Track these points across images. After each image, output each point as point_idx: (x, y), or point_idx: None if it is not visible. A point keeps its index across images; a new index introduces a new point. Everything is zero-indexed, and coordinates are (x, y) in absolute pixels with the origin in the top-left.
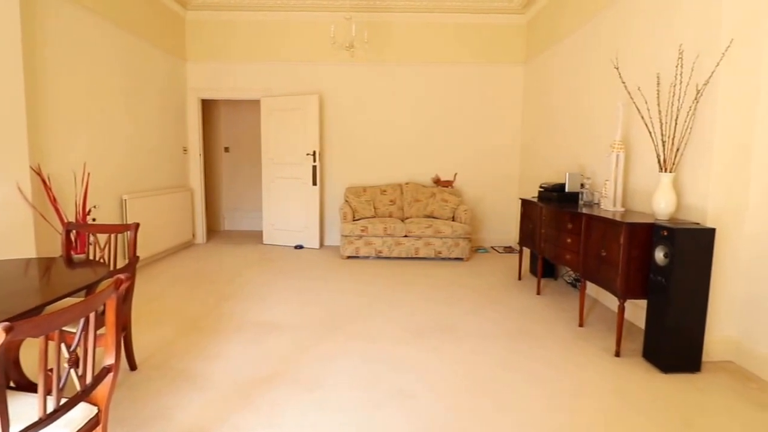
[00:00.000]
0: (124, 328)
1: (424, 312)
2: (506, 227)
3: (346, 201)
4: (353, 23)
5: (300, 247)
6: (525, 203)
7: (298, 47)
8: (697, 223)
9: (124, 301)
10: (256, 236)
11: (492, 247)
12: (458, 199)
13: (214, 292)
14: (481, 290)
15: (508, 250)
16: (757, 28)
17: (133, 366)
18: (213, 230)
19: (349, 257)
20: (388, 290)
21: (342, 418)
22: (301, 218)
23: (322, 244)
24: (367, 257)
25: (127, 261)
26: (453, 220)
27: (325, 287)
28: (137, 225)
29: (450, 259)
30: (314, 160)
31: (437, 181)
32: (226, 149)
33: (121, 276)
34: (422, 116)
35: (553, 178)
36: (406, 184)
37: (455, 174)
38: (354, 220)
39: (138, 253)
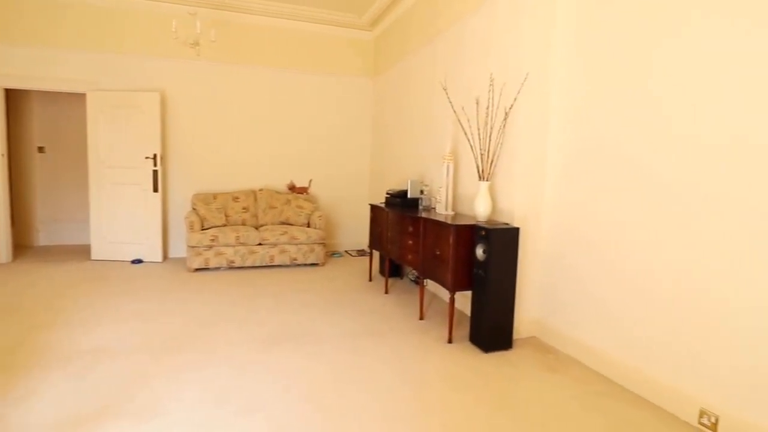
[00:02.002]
0: None
1: (276, 321)
2: (359, 232)
3: (194, 209)
4: (198, 20)
5: (139, 261)
6: (374, 208)
7: (137, 38)
8: (507, 224)
9: None
10: (82, 251)
11: (346, 251)
12: (313, 206)
13: (25, 321)
14: (334, 294)
15: (361, 253)
16: (545, 65)
17: None
18: (23, 246)
19: (197, 270)
20: (239, 301)
21: None
22: (139, 229)
23: (165, 257)
24: (218, 268)
25: None
26: (308, 227)
27: (168, 304)
28: None
29: (306, 265)
30: (155, 164)
31: (292, 188)
32: (41, 149)
33: None
34: (277, 122)
35: (398, 185)
36: (260, 190)
37: (310, 180)
38: (203, 230)
39: None
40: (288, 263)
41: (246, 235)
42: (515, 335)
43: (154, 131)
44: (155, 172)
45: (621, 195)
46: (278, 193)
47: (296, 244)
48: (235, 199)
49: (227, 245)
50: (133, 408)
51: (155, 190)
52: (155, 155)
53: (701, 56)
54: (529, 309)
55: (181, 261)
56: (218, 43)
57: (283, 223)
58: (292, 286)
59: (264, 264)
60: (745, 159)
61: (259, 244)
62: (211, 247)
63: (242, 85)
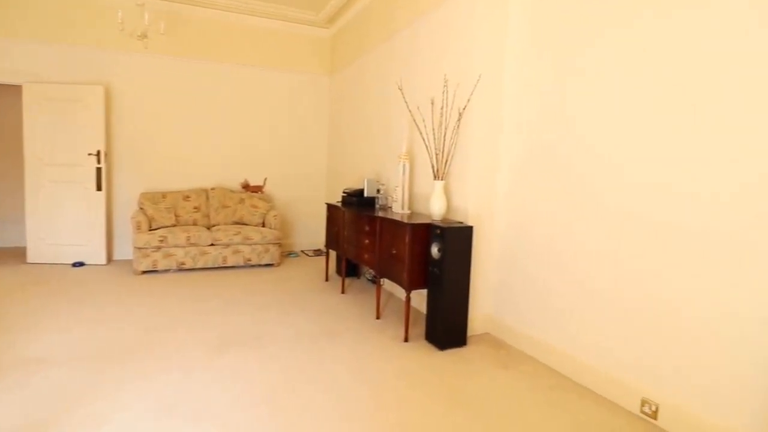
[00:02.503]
0: None
1: (229, 324)
2: (316, 231)
3: (141, 208)
4: (146, 11)
5: (80, 264)
6: (330, 207)
7: (81, 28)
8: (462, 222)
9: None
10: (16, 254)
11: (303, 251)
12: (268, 205)
13: None
14: (290, 295)
15: (318, 253)
16: (498, 68)
17: None
18: None
19: (144, 272)
20: (189, 304)
21: None
22: (81, 230)
23: (110, 260)
24: (167, 271)
25: None
26: (263, 226)
27: (113, 308)
28: None
29: (260, 265)
30: (99, 162)
31: (246, 187)
32: None
33: None
34: (231, 119)
35: (355, 184)
36: (213, 189)
37: (265, 179)
38: (151, 230)
39: None
40: (242, 264)
41: (197, 235)
42: (470, 332)
43: (98, 127)
44: (99, 170)
45: (566, 198)
46: (232, 192)
47: (250, 245)
48: (186, 198)
49: (177, 246)
50: (77, 419)
51: (99, 188)
52: (99, 152)
53: (640, 66)
54: (483, 306)
55: (127, 263)
56: (168, 36)
57: (236, 223)
58: (246, 287)
59: (216, 265)
60: (670, 166)
61: (212, 244)
62: (159, 248)
63: (194, 80)
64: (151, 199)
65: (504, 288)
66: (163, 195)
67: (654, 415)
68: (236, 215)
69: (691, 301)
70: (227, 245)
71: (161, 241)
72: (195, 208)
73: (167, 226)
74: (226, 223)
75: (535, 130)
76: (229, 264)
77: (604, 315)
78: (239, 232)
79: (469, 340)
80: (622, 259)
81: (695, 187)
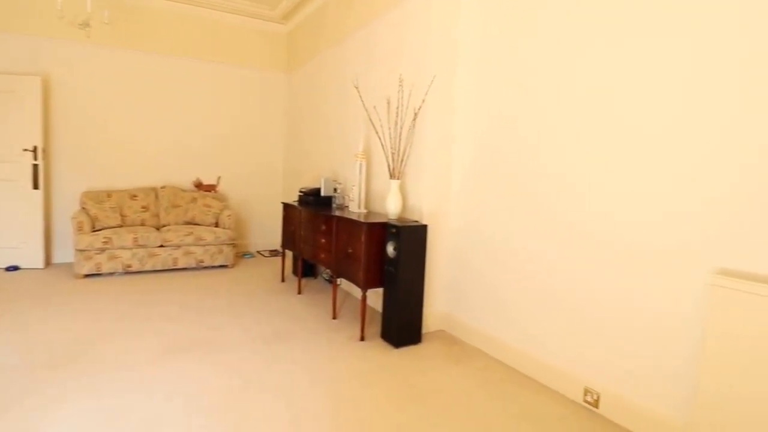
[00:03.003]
0: None
1: (178, 329)
2: (272, 231)
3: (83, 208)
4: None
5: (14, 268)
6: (286, 207)
7: (14, 14)
8: (417, 221)
9: None
10: None
11: (258, 252)
12: (222, 204)
13: None
14: (244, 297)
15: (274, 253)
16: (452, 69)
17: None
18: None
19: (87, 275)
20: (136, 309)
21: None
22: (15, 231)
23: (48, 263)
24: (112, 274)
25: None
26: (217, 226)
27: (51, 314)
28: None
29: (214, 267)
30: (35, 158)
31: (199, 185)
32: None
33: None
34: (183, 115)
35: (312, 183)
36: (162, 188)
37: (219, 177)
38: (94, 231)
39: None
40: (194, 266)
41: (145, 236)
42: (424, 329)
43: (35, 120)
44: (35, 167)
45: (511, 200)
46: (183, 191)
47: (203, 246)
48: (133, 197)
49: (123, 248)
50: None
51: (35, 186)
52: (35, 147)
53: (575, 82)
54: (438, 304)
55: (68, 267)
56: (113, 26)
57: (188, 223)
58: (198, 290)
59: (166, 267)
60: (602, 177)
61: (161, 246)
62: (103, 250)
63: (142, 73)
64: (94, 198)
65: (457, 286)
66: (108, 194)
67: (595, 403)
68: (188, 215)
69: (624, 300)
70: (178, 246)
71: (105, 242)
72: (143, 207)
73: (112, 227)
74: (177, 224)
75: (485, 133)
76: (180, 266)
77: (549, 311)
78: (191, 233)
79: (423, 338)
80: (562, 260)
81: (623, 197)
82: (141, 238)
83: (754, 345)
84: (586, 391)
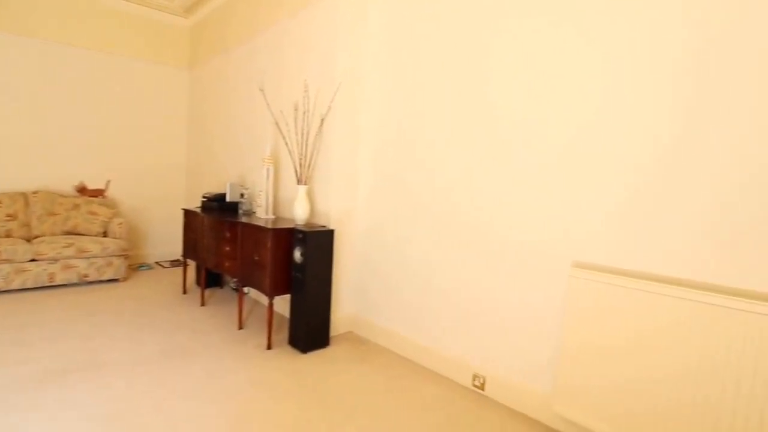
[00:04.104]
0: None
1: (53, 353)
2: (174, 239)
3: None
4: None
5: None
6: (188, 213)
7: None
8: (324, 226)
9: None
10: None
11: (157, 263)
12: (112, 211)
13: None
14: (139, 312)
15: (175, 263)
16: (358, 77)
17: None
18: None
19: None
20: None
21: None
22: None
23: None
24: None
25: None
26: (105, 236)
27: None
28: None
29: (102, 281)
30: None
31: (82, 190)
32: None
33: None
34: (62, 110)
35: (219, 188)
36: (35, 193)
37: (108, 181)
38: None
39: None
40: (76, 281)
41: (11, 249)
42: (333, 332)
43: None
44: None
45: (407, 206)
46: (62, 196)
47: (88, 258)
48: None
49: None
50: None
51: None
52: None
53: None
54: (345, 306)
55: None
56: None
57: (69, 233)
58: (82, 308)
59: (41, 285)
60: (479, 192)
61: (33, 260)
62: None
63: (10, 59)
64: None
65: (364, 287)
66: None
67: (482, 386)
68: (68, 224)
69: (502, 294)
70: (55, 260)
71: None
72: (9, 216)
73: None
74: (54, 234)
75: (386, 143)
76: (58, 282)
77: (442, 307)
78: (72, 244)
79: (332, 341)
80: (450, 262)
81: (498, 206)
82: (6, 251)
83: (601, 322)
84: (475, 377)
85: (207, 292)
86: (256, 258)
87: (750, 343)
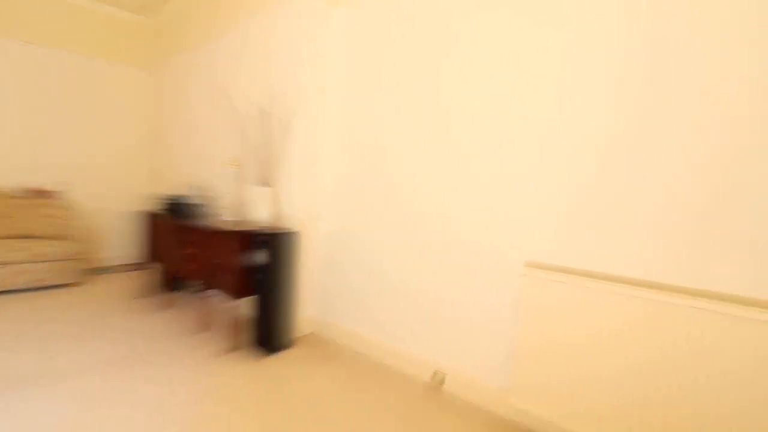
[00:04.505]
0: None
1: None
2: (133, 243)
3: None
4: None
5: None
6: (149, 216)
7: None
8: (288, 228)
9: None
10: None
11: (117, 266)
12: (68, 213)
13: None
14: (95, 318)
15: (136, 267)
16: (321, 80)
17: None
18: None
19: None
20: None
21: None
22: None
23: None
24: None
25: None
26: (61, 239)
27: None
28: None
29: (57, 286)
30: None
31: (38, 192)
32: None
33: None
34: (19, 108)
35: (181, 191)
36: None
37: (65, 183)
38: None
39: None
40: (30, 287)
41: None
42: (297, 333)
43: None
44: None
45: (372, 209)
46: (14, 198)
47: (42, 262)
48: None
49: None
50: None
51: None
52: None
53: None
54: (309, 307)
55: None
56: None
57: (22, 237)
58: (34, 315)
59: None
60: (442, 196)
61: None
62: None
63: None
64: None
65: (327, 288)
66: None
67: (442, 382)
68: (21, 227)
69: (461, 294)
70: (4, 264)
71: None
72: None
73: None
74: (5, 237)
75: (349, 147)
76: (9, 288)
77: (404, 307)
78: (24, 248)
79: (295, 342)
80: (411, 262)
81: (458, 210)
82: None
83: (553, 320)
84: (435, 373)
85: (169, 296)
86: (220, 261)
87: (693, 339)
